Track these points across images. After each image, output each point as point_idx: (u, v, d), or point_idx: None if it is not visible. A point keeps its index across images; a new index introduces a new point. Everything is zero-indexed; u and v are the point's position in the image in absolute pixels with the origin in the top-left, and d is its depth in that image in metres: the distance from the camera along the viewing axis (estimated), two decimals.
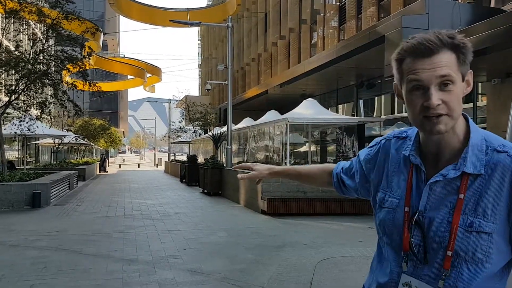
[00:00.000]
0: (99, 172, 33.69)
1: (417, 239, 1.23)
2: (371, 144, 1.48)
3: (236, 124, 18.54)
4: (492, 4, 12.28)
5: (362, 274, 5.71)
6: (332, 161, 18.15)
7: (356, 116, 17.41)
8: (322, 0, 21.19)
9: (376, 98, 18.13)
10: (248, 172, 1.76)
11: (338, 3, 20.26)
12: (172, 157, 42.04)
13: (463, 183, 1.18)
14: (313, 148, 17.09)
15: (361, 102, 18.65)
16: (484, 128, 10.09)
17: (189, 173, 19.97)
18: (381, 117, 16.35)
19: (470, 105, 14.14)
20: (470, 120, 1.23)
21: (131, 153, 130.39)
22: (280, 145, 13.13)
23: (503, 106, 10.72)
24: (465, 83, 1.19)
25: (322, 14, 21.14)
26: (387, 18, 12.14)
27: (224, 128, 19.86)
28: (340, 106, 19.83)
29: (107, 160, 39.55)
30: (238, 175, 1.77)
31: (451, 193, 1.19)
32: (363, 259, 6.43)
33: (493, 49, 8.46)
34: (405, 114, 16.30)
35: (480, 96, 13.92)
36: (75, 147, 35.54)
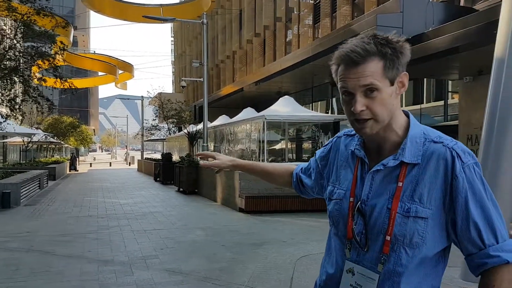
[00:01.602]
0: (70, 171, 32.92)
1: (359, 226, 1.31)
2: (326, 143, 1.58)
3: (211, 122, 18.39)
4: (462, 3, 12.56)
5: None
6: (306, 158, 18.24)
7: (331, 113, 17.52)
8: None
9: None
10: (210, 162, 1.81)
11: (312, 1, 20.35)
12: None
13: (401, 172, 1.26)
14: (288, 145, 17.12)
15: (337, 100, 18.81)
16: (456, 126, 10.24)
17: (164, 171, 19.72)
18: None
19: (441, 102, 14.45)
20: (411, 116, 1.33)
21: (102, 151, 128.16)
22: (257, 142, 13.09)
23: (475, 104, 10.97)
24: (398, 84, 1.27)
25: (296, 12, 21.19)
26: (362, 17, 12.26)
27: (200, 126, 19.68)
28: (315, 103, 19.94)
29: (77, 159, 38.66)
30: (201, 162, 1.81)
31: (391, 181, 1.28)
32: None
33: (466, 48, 8.64)
34: None
35: (450, 94, 14.22)
36: (45, 146, 34.61)
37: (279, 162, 13.91)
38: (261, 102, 20.31)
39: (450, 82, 13.91)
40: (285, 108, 12.73)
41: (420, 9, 10.66)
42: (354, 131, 1.44)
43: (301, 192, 1.71)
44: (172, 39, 57.53)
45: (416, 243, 1.23)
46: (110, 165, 46.36)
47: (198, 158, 1.91)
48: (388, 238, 1.24)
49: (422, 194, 1.23)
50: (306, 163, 1.69)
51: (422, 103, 15.01)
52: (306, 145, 18.29)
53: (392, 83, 1.25)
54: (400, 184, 1.26)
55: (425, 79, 14.38)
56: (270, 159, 12.83)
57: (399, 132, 1.30)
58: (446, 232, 1.26)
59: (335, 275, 1.37)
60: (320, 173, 1.56)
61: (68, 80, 14.49)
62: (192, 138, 19.18)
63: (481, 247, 1.21)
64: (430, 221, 1.23)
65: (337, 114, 17.05)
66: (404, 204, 1.24)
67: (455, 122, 11.97)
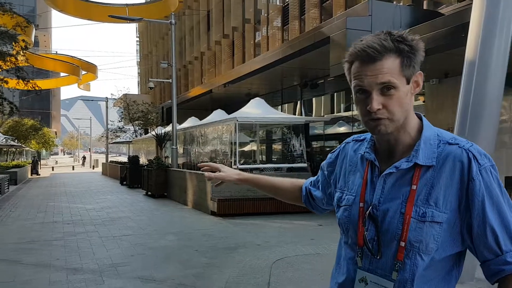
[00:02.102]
0: (31, 175, 31.79)
1: (371, 233, 1.25)
2: (334, 150, 1.53)
3: (180, 124, 18.11)
4: (425, 7, 12.87)
5: (317, 273, 5.73)
6: (275, 159, 18.25)
7: (298, 115, 17.59)
8: (265, 0, 21.26)
9: (316, 98, 18.46)
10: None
11: (281, 4, 20.42)
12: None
13: (415, 174, 1.21)
14: (259, 147, 17.08)
15: (304, 102, 18.93)
16: None
17: (131, 174, 19.32)
18: (325, 116, 16.66)
19: None
20: (424, 118, 1.29)
21: (64, 154, 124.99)
22: (228, 144, 12.98)
23: (440, 105, 11.26)
24: (413, 84, 1.23)
25: (265, 14, 21.21)
26: (331, 20, 12.33)
27: (168, 128, 19.34)
28: (284, 105, 20.00)
29: (39, 163, 37.36)
30: (206, 174, 1.68)
31: (404, 184, 1.22)
32: (317, 257, 6.47)
33: (434, 51, 8.82)
34: (345, 114, 16.73)
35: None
36: (5, 149, 33.28)
37: (250, 165, 13.83)
38: (231, 104, 20.18)
39: None
40: (256, 110, 12.68)
41: (388, 13, 10.82)
42: (363, 136, 1.41)
43: (312, 207, 1.64)
44: (138, 39, 56.54)
45: (431, 249, 1.18)
46: (73, 169, 45.14)
47: (206, 174, 1.75)
48: (402, 244, 1.19)
49: (438, 198, 1.18)
50: (315, 177, 1.63)
51: None
52: (277, 147, 18.31)
53: (408, 82, 1.21)
54: (414, 187, 1.20)
55: None
56: (242, 161, 12.72)
57: (412, 134, 1.26)
58: (460, 237, 1.21)
59: (347, 286, 1.30)
60: (327, 181, 1.50)
61: (31, 81, 13.97)
62: (161, 140, 18.83)
63: (498, 253, 1.16)
64: (445, 225, 1.18)
65: (304, 115, 17.21)
66: (419, 209, 1.19)
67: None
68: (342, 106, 17.49)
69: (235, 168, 1.82)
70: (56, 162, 63.00)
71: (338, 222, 1.37)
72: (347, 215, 1.32)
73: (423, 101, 12.71)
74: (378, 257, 1.23)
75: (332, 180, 1.46)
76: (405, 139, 1.25)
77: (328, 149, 16.91)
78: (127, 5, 25.10)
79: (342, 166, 1.42)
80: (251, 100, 13.82)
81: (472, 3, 5.33)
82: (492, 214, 1.16)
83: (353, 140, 1.44)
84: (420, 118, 1.29)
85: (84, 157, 58.37)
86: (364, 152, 1.34)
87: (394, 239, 1.20)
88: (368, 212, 1.26)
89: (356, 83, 1.21)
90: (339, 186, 1.41)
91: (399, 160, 1.24)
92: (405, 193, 1.21)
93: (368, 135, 1.38)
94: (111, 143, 41.99)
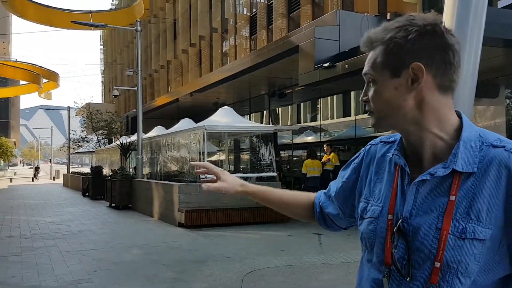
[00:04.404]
0: None
1: (401, 251, 1.06)
2: (355, 155, 1.32)
3: (146, 133, 17.71)
4: (388, 18, 13.12)
5: (289, 285, 5.58)
6: (242, 168, 18.07)
7: (265, 124, 17.55)
8: (232, 9, 21.22)
9: (284, 107, 18.50)
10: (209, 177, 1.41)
11: (248, 14, 20.43)
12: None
13: (454, 183, 1.03)
14: (228, 156, 16.91)
15: (272, 111, 18.92)
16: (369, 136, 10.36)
17: (94, 185, 18.73)
18: (293, 125, 16.68)
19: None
20: (464, 116, 1.09)
21: (23, 165, 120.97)
22: (196, 154, 12.73)
23: None
24: (406, 77, 1.04)
25: (233, 24, 21.17)
26: (299, 29, 12.37)
27: (133, 137, 18.89)
28: (252, 114, 19.94)
29: None
30: (204, 185, 1.37)
31: (440, 195, 1.04)
32: (289, 269, 6.33)
33: None
34: (312, 124, 16.80)
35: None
36: None
37: None
38: (198, 113, 19.94)
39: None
40: (225, 118, 12.53)
41: (356, 22, 10.90)
42: (392, 138, 1.21)
43: (327, 225, 1.39)
44: (102, 47, 55.46)
45: (472, 270, 1.00)
46: (33, 180, 43.54)
47: (203, 185, 1.41)
48: (437, 265, 1.01)
49: (481, 211, 1.00)
50: (327, 188, 1.40)
51: (350, 115, 15.31)
52: (245, 156, 18.18)
53: (395, 75, 1.05)
54: (452, 198, 1.02)
55: (352, 92, 14.70)
56: None
57: (441, 134, 1.07)
58: (508, 257, 1.03)
59: None
60: (349, 189, 1.29)
61: None
62: (126, 150, 18.33)
63: None
64: (488, 243, 1.00)
65: (271, 124, 17.20)
66: (458, 223, 1.00)
67: (388, 132, 12.35)
68: (309, 116, 17.56)
69: (203, 179, 1.52)
70: (15, 174, 60.63)
71: (361, 237, 1.18)
72: (372, 228, 1.14)
73: None
74: (408, 279, 1.05)
75: (357, 188, 1.26)
76: (431, 140, 1.07)
77: (295, 158, 16.91)
78: (90, 11, 24.47)
79: (368, 172, 1.23)
80: (220, 109, 13.65)
81: (438, 14, 5.37)
82: None
83: (380, 142, 1.24)
84: (460, 116, 1.10)
85: (37, 168, 50.60)
86: (392, 155, 1.14)
87: (428, 258, 1.02)
88: (397, 226, 1.07)
89: None
90: (364, 195, 1.21)
91: (431, 164, 1.07)
92: (442, 205, 1.03)
93: (398, 136, 1.18)
94: (73, 154, 40.76)
